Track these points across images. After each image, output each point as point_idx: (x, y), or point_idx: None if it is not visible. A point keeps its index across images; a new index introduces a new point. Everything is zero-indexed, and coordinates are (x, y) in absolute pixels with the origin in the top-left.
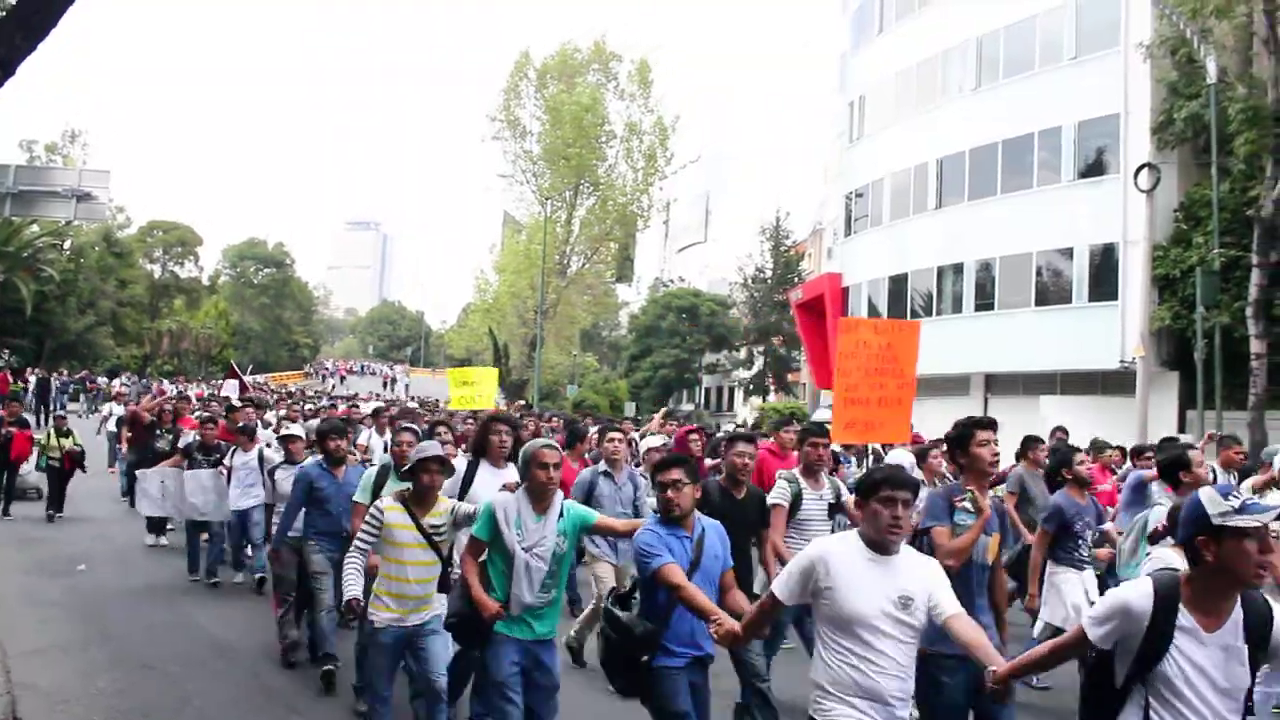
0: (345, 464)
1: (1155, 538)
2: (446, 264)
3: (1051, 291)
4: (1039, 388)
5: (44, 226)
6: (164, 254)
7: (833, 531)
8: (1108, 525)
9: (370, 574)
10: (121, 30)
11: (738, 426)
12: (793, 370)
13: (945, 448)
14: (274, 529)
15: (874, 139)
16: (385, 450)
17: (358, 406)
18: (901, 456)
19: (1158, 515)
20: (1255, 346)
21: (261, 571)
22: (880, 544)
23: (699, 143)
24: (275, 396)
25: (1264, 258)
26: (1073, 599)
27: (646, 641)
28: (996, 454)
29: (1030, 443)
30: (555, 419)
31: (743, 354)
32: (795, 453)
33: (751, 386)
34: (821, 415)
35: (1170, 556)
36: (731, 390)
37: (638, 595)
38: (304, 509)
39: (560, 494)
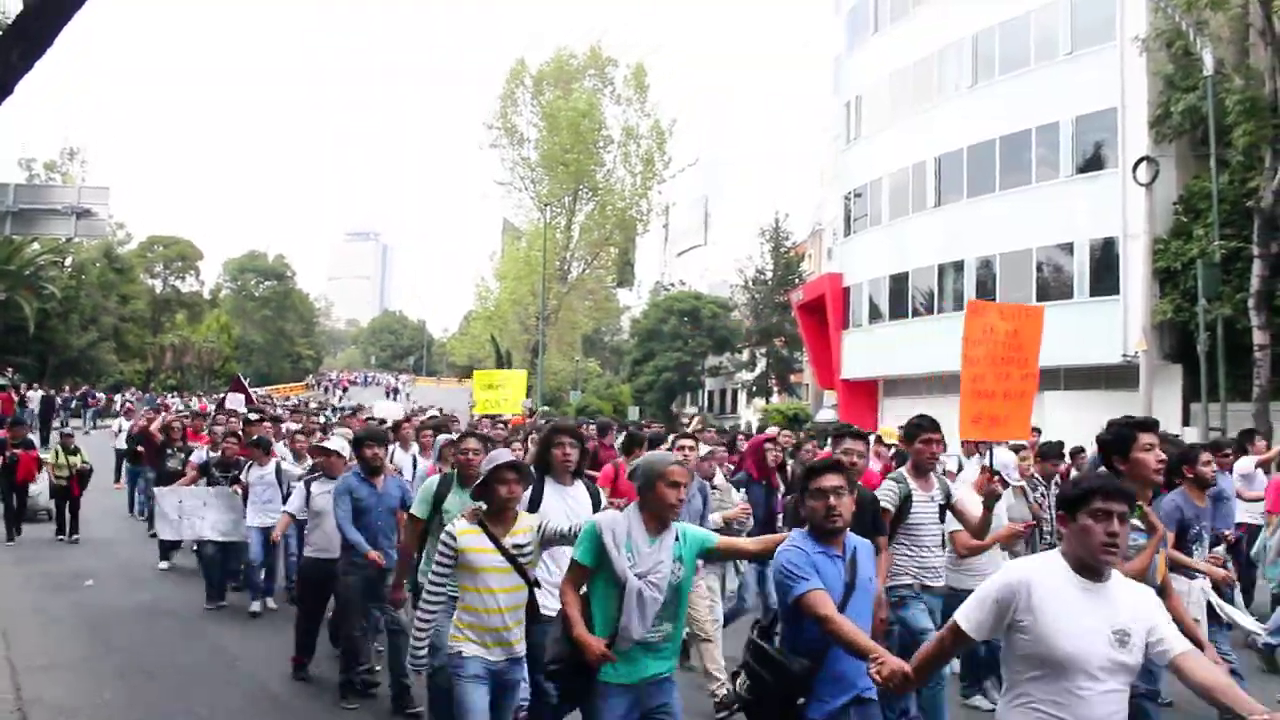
0: (383, 473)
1: None
2: (446, 272)
3: (1053, 287)
4: (1043, 384)
5: (45, 244)
6: (165, 269)
7: (942, 539)
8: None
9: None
10: (117, 35)
11: (742, 427)
12: (795, 371)
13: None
14: (306, 547)
15: (871, 139)
16: (414, 466)
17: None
18: (1005, 456)
19: None
20: (1258, 338)
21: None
22: (1092, 567)
23: (697, 146)
24: (288, 409)
25: (1265, 249)
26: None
27: (803, 681)
28: (1163, 460)
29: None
30: (586, 425)
31: (745, 356)
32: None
33: (754, 388)
34: (825, 415)
35: None
36: (735, 392)
37: (779, 627)
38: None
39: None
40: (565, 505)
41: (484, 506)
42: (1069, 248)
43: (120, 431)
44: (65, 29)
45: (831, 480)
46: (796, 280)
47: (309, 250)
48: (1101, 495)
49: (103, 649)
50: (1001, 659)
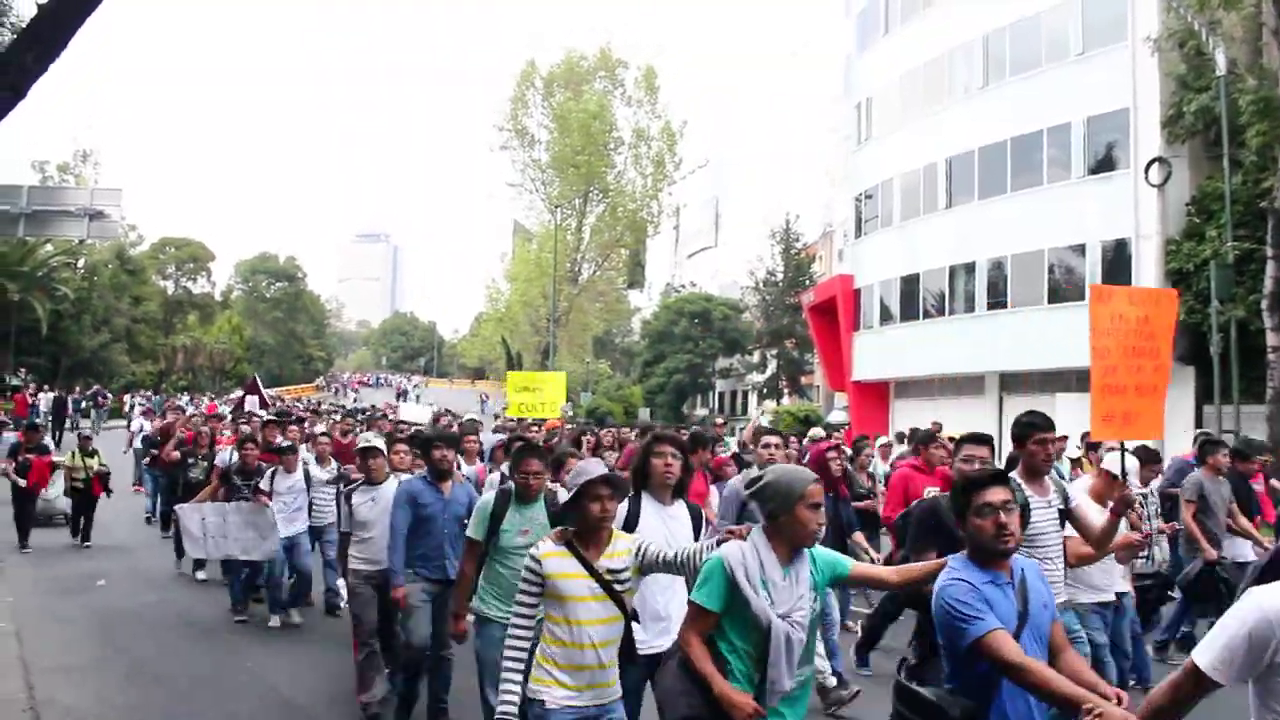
0: (452, 479)
1: None
2: (457, 274)
3: (1065, 288)
4: (1054, 385)
5: (58, 246)
6: (176, 270)
7: (1063, 548)
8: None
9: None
10: (127, 38)
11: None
12: (806, 373)
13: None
14: (352, 561)
15: (881, 141)
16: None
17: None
18: (1114, 462)
19: None
20: (1271, 339)
21: (337, 596)
22: None
23: (706, 146)
24: (310, 411)
25: (1278, 250)
26: None
27: None
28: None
29: (1211, 448)
30: (614, 431)
31: (756, 358)
32: (945, 466)
33: (765, 390)
34: (836, 417)
35: None
36: (745, 394)
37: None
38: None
39: None
40: (665, 528)
41: (571, 528)
42: (1081, 249)
43: (140, 431)
44: (78, 33)
45: (999, 494)
46: (807, 282)
47: (319, 252)
48: None
49: (114, 652)
50: (1253, 706)
